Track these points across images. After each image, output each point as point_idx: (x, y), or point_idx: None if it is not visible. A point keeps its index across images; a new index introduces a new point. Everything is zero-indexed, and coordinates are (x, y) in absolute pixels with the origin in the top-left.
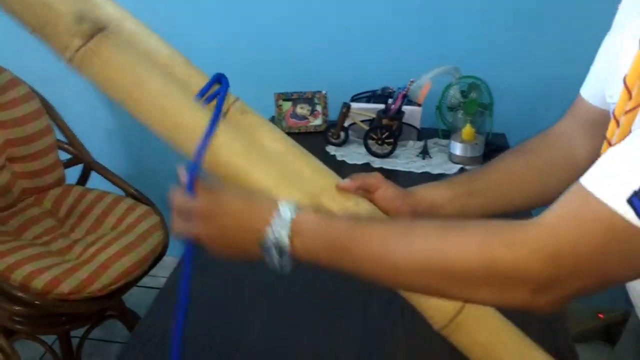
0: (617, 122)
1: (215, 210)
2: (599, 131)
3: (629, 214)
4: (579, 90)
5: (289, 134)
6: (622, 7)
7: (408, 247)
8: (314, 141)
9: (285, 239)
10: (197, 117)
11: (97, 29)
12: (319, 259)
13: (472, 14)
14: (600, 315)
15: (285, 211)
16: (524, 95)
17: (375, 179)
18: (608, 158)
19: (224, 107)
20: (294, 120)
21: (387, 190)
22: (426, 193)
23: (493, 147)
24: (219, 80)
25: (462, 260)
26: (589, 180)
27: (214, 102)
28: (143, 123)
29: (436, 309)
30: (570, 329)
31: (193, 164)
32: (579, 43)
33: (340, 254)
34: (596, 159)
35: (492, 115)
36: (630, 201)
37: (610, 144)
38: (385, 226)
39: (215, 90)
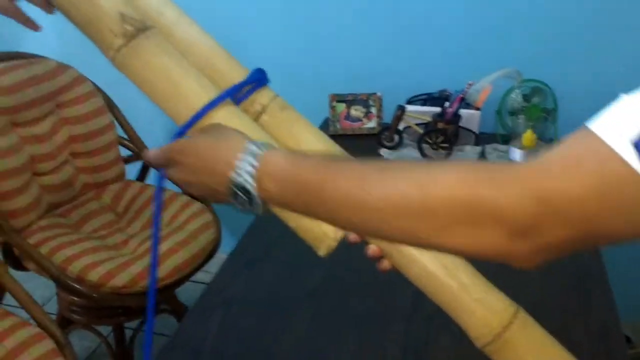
0: None
1: (184, 152)
2: None
3: (631, 156)
4: None
5: (342, 135)
6: None
7: (386, 184)
8: (367, 144)
9: (250, 181)
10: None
11: (139, 30)
12: (289, 202)
13: (536, 14)
14: None
15: (252, 150)
16: (591, 103)
17: None
18: (619, 103)
19: (259, 104)
20: (347, 122)
21: None
22: None
23: None
24: (258, 75)
25: (443, 196)
26: (594, 121)
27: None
28: (174, 121)
29: (481, 324)
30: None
31: (181, 128)
32: None
33: (312, 197)
34: None
35: (557, 122)
36: (635, 144)
37: None
38: (361, 164)
39: (250, 88)
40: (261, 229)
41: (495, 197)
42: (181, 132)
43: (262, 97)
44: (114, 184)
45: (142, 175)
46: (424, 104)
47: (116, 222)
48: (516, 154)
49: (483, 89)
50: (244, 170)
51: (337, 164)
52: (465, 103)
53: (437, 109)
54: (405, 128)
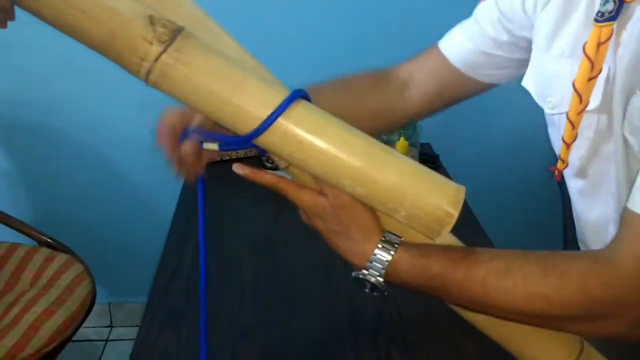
0: (572, 125)
1: (326, 211)
2: (441, 90)
3: None
4: (489, 98)
5: (223, 161)
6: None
7: (509, 292)
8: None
9: (379, 280)
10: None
11: (175, 31)
12: (412, 290)
13: (373, 27)
14: None
15: (383, 254)
16: None
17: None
18: None
19: None
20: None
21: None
22: None
23: (426, 157)
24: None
25: (563, 303)
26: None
27: None
28: (237, 130)
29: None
30: None
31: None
32: None
33: (435, 294)
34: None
35: (419, 126)
36: None
37: (568, 146)
38: (483, 266)
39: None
40: (170, 268)
41: (608, 299)
42: (258, 132)
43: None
44: None
45: None
46: None
47: None
48: None
49: None
50: (374, 272)
51: (461, 264)
52: None
53: None
54: None
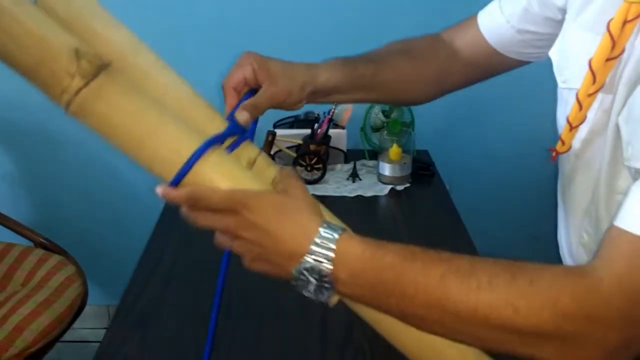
0: (580, 106)
1: (249, 206)
2: (478, 61)
3: None
4: (492, 104)
5: None
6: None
7: (471, 296)
8: None
9: (326, 267)
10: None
11: (100, 67)
12: (360, 295)
13: (381, 31)
14: None
15: (328, 236)
16: (441, 111)
17: (251, 77)
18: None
19: (245, 158)
20: None
21: (274, 87)
22: (321, 72)
23: (420, 165)
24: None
25: (531, 313)
26: (633, 224)
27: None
28: (152, 173)
29: None
30: None
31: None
32: None
33: (387, 291)
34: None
35: (414, 132)
36: None
37: (571, 127)
38: (444, 264)
39: (237, 139)
40: (145, 273)
41: (582, 320)
42: (175, 183)
43: (248, 151)
44: None
45: None
46: (291, 127)
47: None
48: (385, 168)
49: (346, 108)
50: (320, 257)
51: (419, 258)
52: (332, 123)
53: (306, 131)
54: (276, 152)
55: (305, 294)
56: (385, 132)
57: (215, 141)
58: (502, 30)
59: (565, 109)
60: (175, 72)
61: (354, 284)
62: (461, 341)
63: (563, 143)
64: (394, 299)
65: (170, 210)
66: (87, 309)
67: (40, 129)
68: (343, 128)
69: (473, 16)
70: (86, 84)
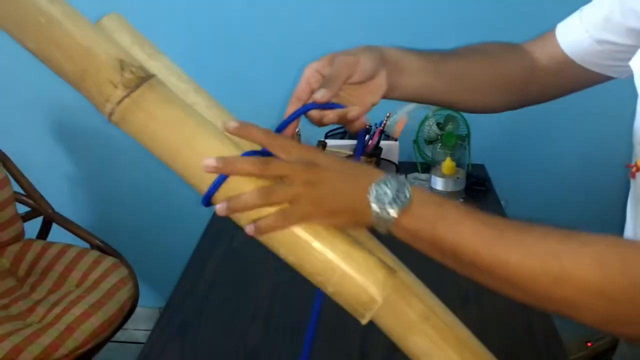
0: None
1: (317, 171)
2: (558, 75)
3: None
4: (549, 120)
5: None
6: None
7: (525, 246)
8: None
9: (407, 193)
10: None
11: (142, 78)
12: (420, 228)
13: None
14: (589, 344)
15: (392, 181)
16: (500, 125)
17: (340, 74)
18: None
19: None
20: None
21: (345, 54)
22: (396, 53)
23: (474, 180)
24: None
25: (577, 271)
26: None
27: None
28: (187, 182)
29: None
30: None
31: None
32: None
33: (446, 229)
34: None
35: (470, 146)
36: None
37: None
38: (502, 220)
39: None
40: (189, 283)
41: (631, 286)
42: (208, 196)
43: None
44: (12, 246)
45: (43, 233)
46: (342, 138)
47: (18, 288)
48: (437, 182)
49: (399, 119)
50: (387, 189)
51: (477, 210)
52: (384, 135)
53: None
54: None
55: (375, 208)
56: (439, 145)
57: (255, 153)
58: (580, 40)
59: None
60: (208, 94)
61: (420, 213)
62: (508, 292)
63: None
64: (448, 239)
65: (217, 221)
66: (139, 310)
67: (100, 134)
68: (395, 140)
69: (553, 29)
70: (128, 94)
